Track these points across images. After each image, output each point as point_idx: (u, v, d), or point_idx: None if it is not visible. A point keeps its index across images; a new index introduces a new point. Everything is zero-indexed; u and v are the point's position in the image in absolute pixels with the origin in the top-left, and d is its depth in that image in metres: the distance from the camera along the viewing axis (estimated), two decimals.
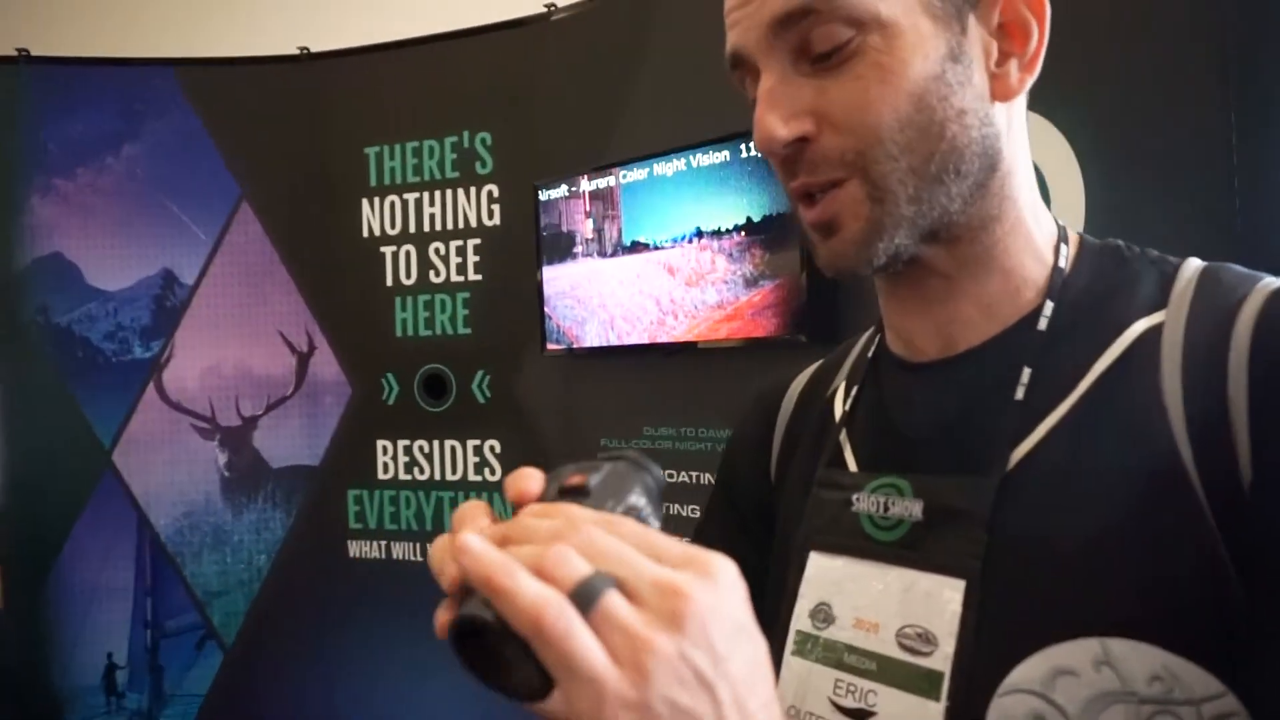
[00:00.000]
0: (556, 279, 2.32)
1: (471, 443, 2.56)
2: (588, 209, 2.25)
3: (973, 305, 0.59)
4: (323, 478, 2.67)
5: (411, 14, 2.68)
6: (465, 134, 2.54)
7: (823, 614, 0.60)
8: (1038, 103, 1.48)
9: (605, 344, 2.25)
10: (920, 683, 0.53)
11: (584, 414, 2.39)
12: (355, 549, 2.63)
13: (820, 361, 0.77)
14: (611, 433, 2.28)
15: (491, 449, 2.54)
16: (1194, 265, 0.56)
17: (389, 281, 2.64)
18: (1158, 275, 0.56)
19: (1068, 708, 0.47)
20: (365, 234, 2.65)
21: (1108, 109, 1.39)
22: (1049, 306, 0.57)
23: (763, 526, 0.71)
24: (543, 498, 0.44)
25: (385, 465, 2.63)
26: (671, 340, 2.08)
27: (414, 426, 2.62)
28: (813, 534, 0.63)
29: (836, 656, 0.58)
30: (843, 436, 0.65)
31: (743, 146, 1.91)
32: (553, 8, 2.42)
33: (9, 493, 2.52)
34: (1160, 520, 0.48)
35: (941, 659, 0.52)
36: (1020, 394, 0.55)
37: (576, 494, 0.43)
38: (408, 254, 2.62)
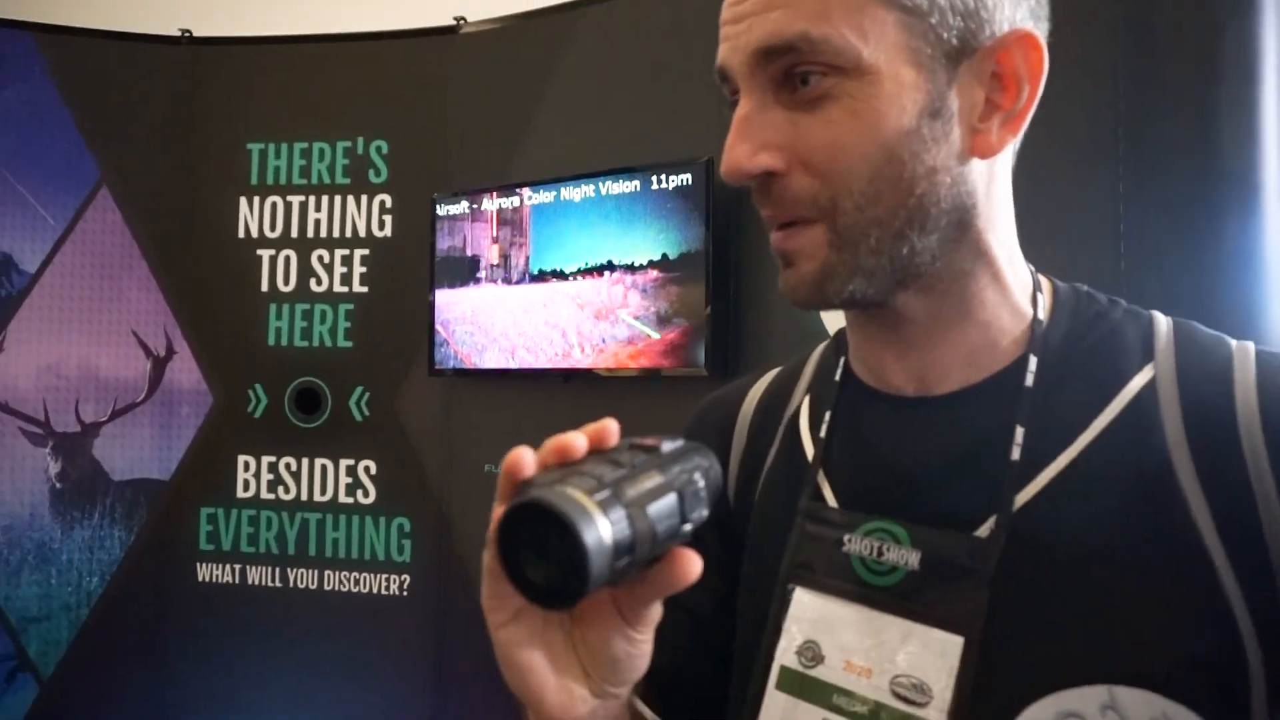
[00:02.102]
0: (457, 303, 2.24)
1: (345, 462, 2.43)
2: (495, 234, 2.20)
3: (952, 353, 0.59)
4: (173, 493, 2.45)
5: (310, 9, 2.56)
6: (360, 139, 2.44)
7: (810, 652, 0.59)
8: None
9: (497, 367, 2.19)
10: None
11: (469, 439, 2.31)
12: (205, 572, 2.41)
13: (770, 375, 0.75)
14: (496, 459, 2.20)
15: (366, 469, 2.41)
16: (1163, 319, 0.59)
17: (264, 286, 2.48)
18: (1135, 328, 0.59)
19: None
20: (241, 234, 2.49)
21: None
22: (1033, 361, 0.58)
23: (720, 546, 0.69)
24: (615, 448, 0.46)
25: (246, 482, 2.44)
26: (570, 367, 2.05)
27: (281, 442, 2.45)
28: (798, 569, 0.61)
29: (825, 697, 0.57)
30: (820, 468, 0.64)
31: (654, 178, 1.92)
32: (463, 21, 2.38)
33: None
34: (1169, 576, 0.50)
35: (937, 710, 0.52)
36: (1016, 454, 0.55)
37: (646, 450, 0.45)
38: (287, 259, 2.48)
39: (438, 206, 2.29)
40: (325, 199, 2.46)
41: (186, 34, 2.49)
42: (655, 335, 1.93)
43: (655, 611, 0.50)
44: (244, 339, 2.47)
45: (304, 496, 2.42)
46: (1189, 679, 0.48)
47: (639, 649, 0.50)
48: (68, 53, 2.40)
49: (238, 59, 2.48)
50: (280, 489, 2.43)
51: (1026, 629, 0.52)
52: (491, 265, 2.20)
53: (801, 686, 0.58)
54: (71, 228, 2.43)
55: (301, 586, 2.39)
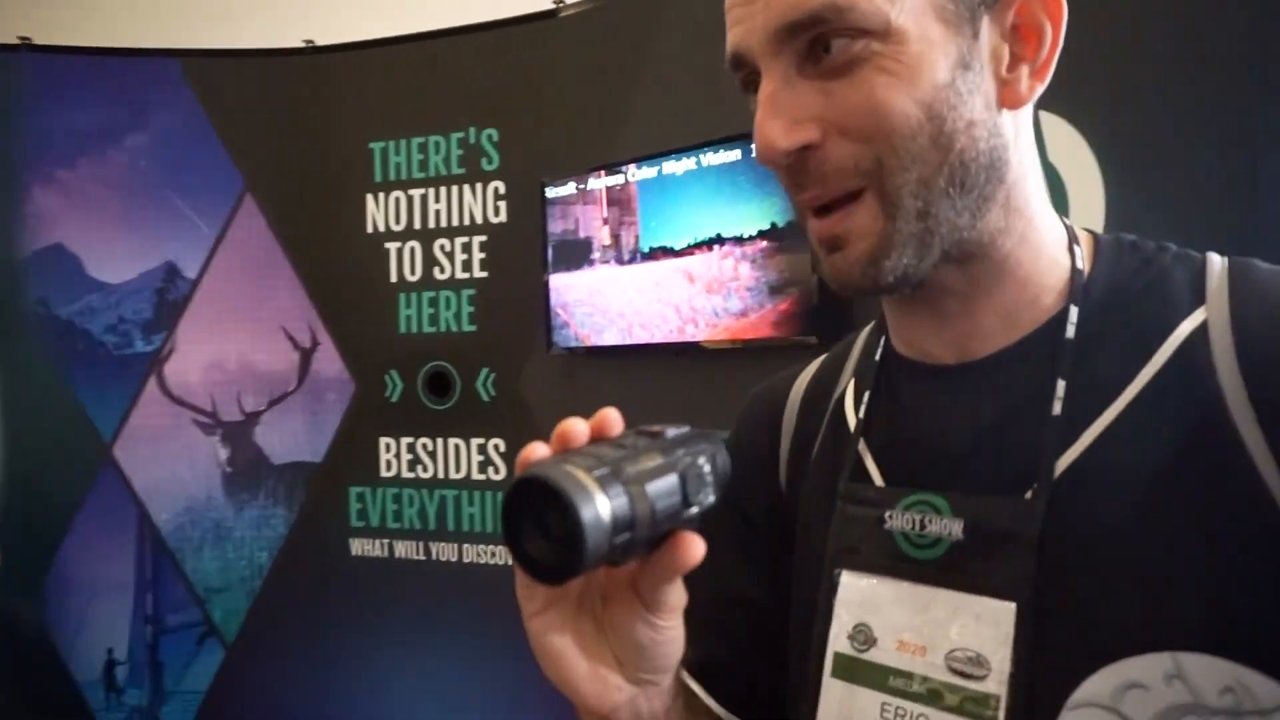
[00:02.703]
0: (574, 285, 2.29)
1: (475, 441, 2.55)
2: (604, 215, 2.24)
3: (991, 317, 0.57)
4: (325, 475, 2.65)
5: (418, 9, 2.66)
6: (471, 130, 2.53)
7: (862, 635, 0.58)
8: (1058, 104, 1.49)
9: (614, 343, 2.23)
10: (975, 706, 0.51)
11: (590, 414, 2.37)
12: (357, 547, 2.61)
13: (819, 360, 0.74)
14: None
15: (495, 448, 2.53)
16: (1218, 259, 0.55)
17: (393, 278, 2.62)
18: (1185, 271, 0.55)
19: None
20: (370, 229, 2.63)
21: (1129, 110, 1.38)
22: (1074, 312, 0.55)
23: (776, 535, 0.69)
24: (621, 435, 0.46)
25: (388, 463, 2.61)
26: (684, 341, 2.07)
27: (417, 424, 2.60)
28: (842, 552, 0.60)
29: (882, 680, 0.56)
30: (861, 447, 0.63)
31: (753, 147, 1.89)
32: (561, 4, 2.41)
33: (8, 486, 2.50)
34: (1231, 529, 0.47)
35: (996, 682, 0.51)
36: (1058, 408, 0.53)
37: (650, 435, 0.46)
38: (412, 250, 2.61)
39: (547, 190, 2.34)
40: (443, 190, 2.57)
41: (310, 44, 2.64)
42: (766, 306, 1.92)
43: (675, 598, 0.51)
44: (378, 328, 2.63)
45: (440, 474, 2.57)
46: (1261, 641, 0.45)
47: (665, 635, 0.51)
48: (208, 74, 2.60)
49: (355, 64, 2.61)
50: (419, 468, 2.58)
51: (1080, 593, 0.50)
52: (604, 246, 2.23)
53: (856, 671, 0.58)
54: (223, 235, 2.64)
55: (443, 560, 2.55)
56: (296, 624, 2.59)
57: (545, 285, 2.36)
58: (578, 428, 0.48)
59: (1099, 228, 1.37)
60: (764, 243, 1.91)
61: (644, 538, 0.45)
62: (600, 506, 0.41)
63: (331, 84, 2.63)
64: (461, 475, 2.56)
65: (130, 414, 2.57)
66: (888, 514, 0.58)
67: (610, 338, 2.24)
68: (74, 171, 2.55)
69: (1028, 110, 0.57)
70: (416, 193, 2.60)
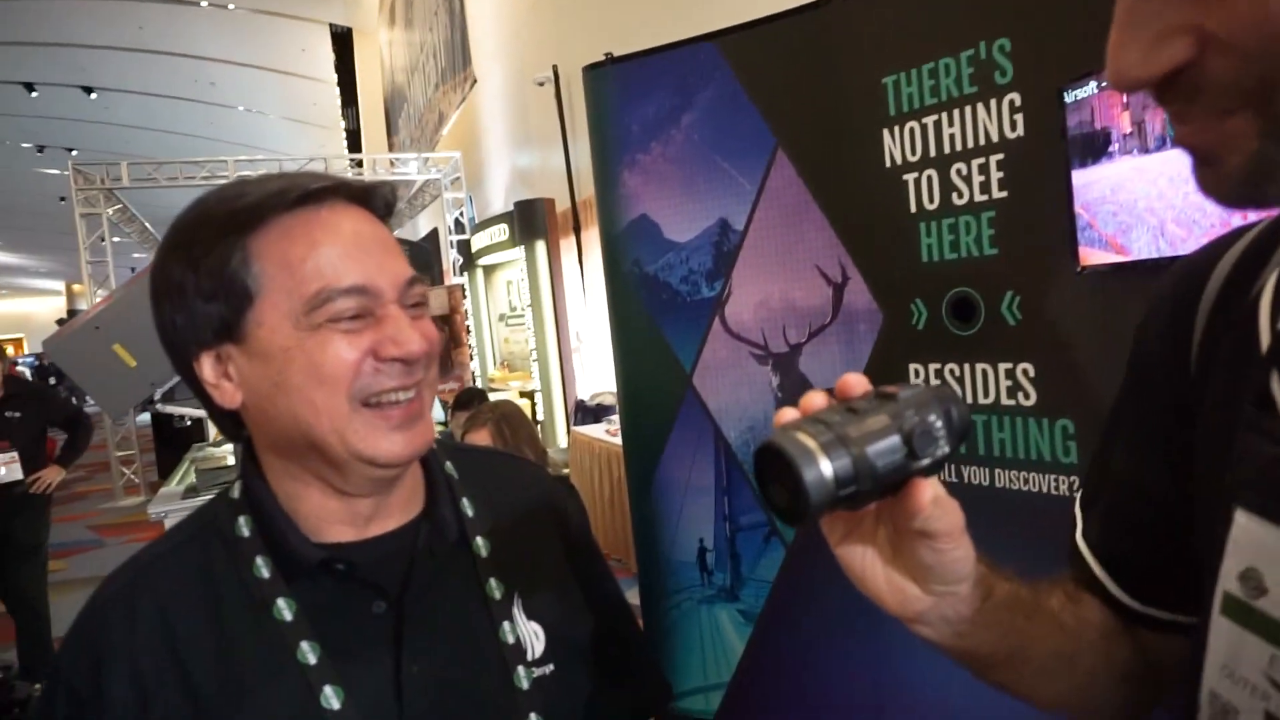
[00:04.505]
0: (1095, 183, 2.10)
1: (1003, 366, 2.50)
2: (1125, 99, 1.99)
3: None
4: None
5: None
6: (982, 44, 2.42)
7: (1253, 581, 0.54)
8: None
9: (1152, 256, 1.99)
10: None
11: (1121, 339, 2.15)
12: None
13: (1259, 227, 0.63)
14: None
15: (1025, 373, 2.45)
16: None
17: (912, 208, 2.67)
18: None
19: None
20: (888, 164, 2.71)
21: None
22: None
23: (1177, 422, 0.64)
24: (861, 396, 0.56)
25: None
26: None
27: (944, 350, 2.64)
28: (1239, 487, 0.55)
29: (1272, 632, 0.53)
30: (1272, 367, 0.55)
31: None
32: None
33: (626, 406, 3.24)
34: None
35: None
36: None
37: (886, 398, 0.55)
38: (929, 179, 2.62)
39: (1065, 94, 2.15)
40: (956, 113, 2.52)
41: None
42: None
43: (942, 525, 0.56)
44: (901, 259, 2.72)
45: (968, 400, 2.58)
46: None
47: (947, 556, 0.58)
48: (739, 48, 2.93)
49: (861, 2, 2.68)
50: None
51: None
52: (1125, 135, 1.99)
53: (1247, 617, 0.54)
54: (762, 188, 2.99)
55: (975, 483, 2.57)
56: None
57: (1069, 197, 2.18)
58: (816, 400, 0.57)
59: None
60: None
61: (870, 489, 0.54)
62: (823, 468, 0.52)
63: (842, 29, 2.75)
64: (990, 400, 2.53)
65: (702, 349, 3.11)
66: None
67: (1139, 238, 2.00)
68: (648, 154, 3.13)
69: None
70: (930, 119, 2.59)
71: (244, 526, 0.96)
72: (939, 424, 0.55)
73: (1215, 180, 0.48)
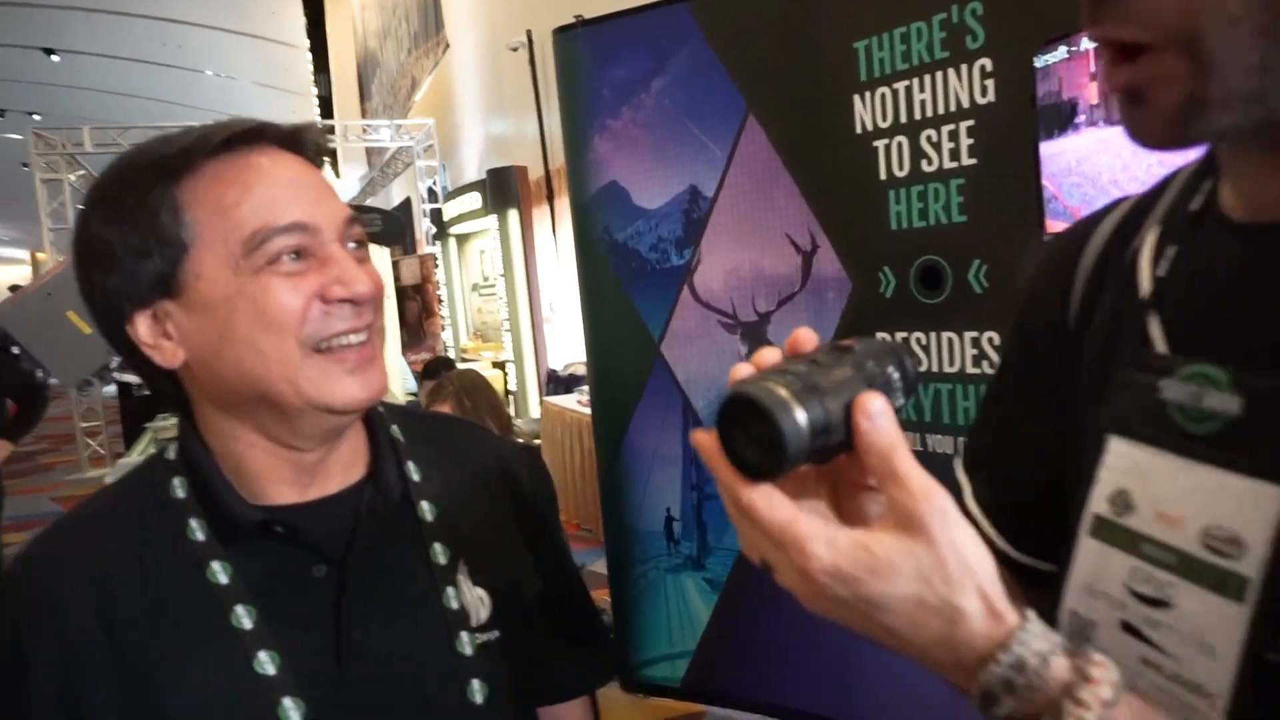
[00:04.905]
0: (1060, 154, 2.09)
1: (969, 335, 2.50)
2: (1092, 70, 1.98)
3: None
4: None
5: None
6: (954, 8, 2.39)
7: (1122, 501, 0.58)
8: None
9: None
10: (1223, 584, 0.50)
11: None
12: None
13: (1129, 202, 0.70)
14: None
15: (990, 341, 2.45)
16: None
17: (882, 175, 2.65)
18: None
19: None
20: (858, 130, 2.69)
21: None
22: None
23: (1061, 379, 0.69)
24: (815, 350, 0.56)
25: None
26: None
27: (912, 319, 2.64)
28: (1114, 417, 0.60)
29: (1134, 546, 0.57)
30: (1148, 308, 0.59)
31: None
32: None
33: (597, 377, 3.22)
34: None
35: (1250, 564, 0.49)
36: None
37: (842, 350, 0.54)
38: (899, 145, 2.60)
39: (1035, 59, 2.13)
40: (927, 78, 2.50)
41: None
42: None
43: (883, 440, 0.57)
44: (870, 227, 2.70)
45: (934, 368, 2.58)
46: None
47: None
48: (710, 10, 2.88)
49: None
50: None
51: None
52: (1091, 106, 1.98)
53: (1112, 534, 0.59)
54: (732, 155, 2.95)
55: (939, 452, 2.58)
56: None
57: (1036, 165, 2.17)
58: (771, 354, 0.57)
59: None
60: None
61: (843, 439, 0.52)
62: (799, 417, 0.50)
63: None
64: (955, 369, 2.54)
65: (671, 318, 3.08)
66: (1163, 383, 0.57)
67: None
68: (618, 119, 3.09)
69: None
70: (901, 85, 2.56)
71: (179, 488, 0.93)
72: (896, 375, 0.55)
73: (1146, 121, 0.51)
